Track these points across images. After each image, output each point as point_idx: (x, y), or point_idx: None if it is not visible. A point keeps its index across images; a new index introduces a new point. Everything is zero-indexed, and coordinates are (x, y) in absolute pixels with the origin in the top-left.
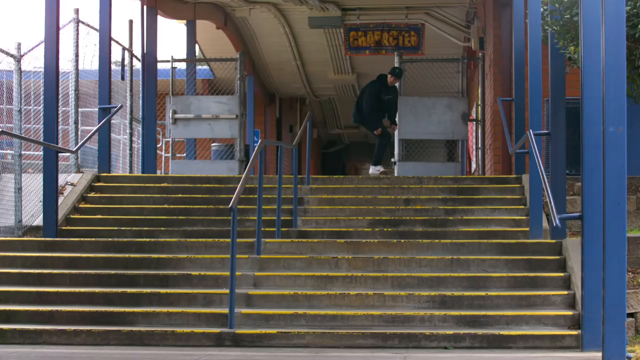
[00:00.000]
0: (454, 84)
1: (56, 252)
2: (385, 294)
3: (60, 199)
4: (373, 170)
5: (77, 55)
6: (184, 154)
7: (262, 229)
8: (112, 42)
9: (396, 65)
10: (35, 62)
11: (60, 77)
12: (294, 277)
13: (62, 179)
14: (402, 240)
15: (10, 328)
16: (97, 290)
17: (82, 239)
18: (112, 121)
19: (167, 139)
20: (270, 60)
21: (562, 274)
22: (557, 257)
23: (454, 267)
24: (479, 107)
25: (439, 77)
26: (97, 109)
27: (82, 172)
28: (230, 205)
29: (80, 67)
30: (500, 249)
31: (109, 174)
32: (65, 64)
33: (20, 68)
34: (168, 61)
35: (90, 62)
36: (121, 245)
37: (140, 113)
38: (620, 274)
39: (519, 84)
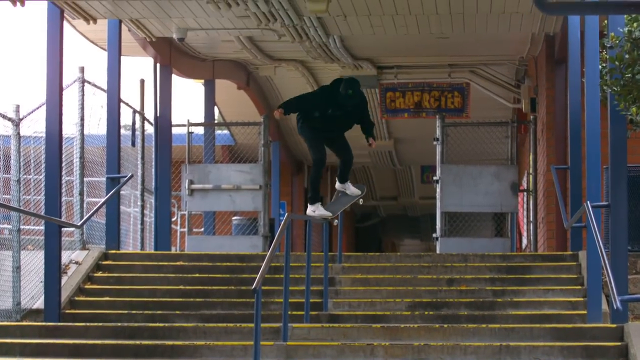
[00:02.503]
0: (502, 150)
1: (59, 339)
2: None
3: (64, 279)
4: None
5: (82, 119)
6: (202, 229)
7: (289, 312)
8: (122, 104)
9: (437, 129)
10: (35, 126)
11: (63, 142)
12: None
13: (65, 256)
14: (445, 325)
15: None
16: None
17: (87, 324)
18: (122, 192)
19: (182, 212)
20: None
21: None
22: (618, 343)
23: (503, 354)
24: (531, 176)
25: (485, 142)
26: (104, 179)
27: (88, 249)
28: (254, 286)
29: (85, 132)
30: (555, 335)
31: (117, 251)
32: (69, 128)
33: (18, 133)
34: (184, 125)
35: (97, 126)
36: (132, 330)
37: (153, 183)
38: None
39: (575, 150)
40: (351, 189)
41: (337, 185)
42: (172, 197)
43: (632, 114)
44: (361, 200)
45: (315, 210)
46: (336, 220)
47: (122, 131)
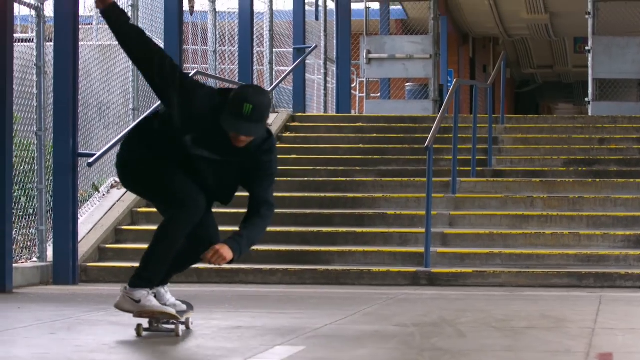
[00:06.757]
0: None
1: None
2: (580, 234)
3: None
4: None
5: None
6: (378, 94)
7: (457, 168)
8: None
9: (589, 4)
10: (229, 3)
11: (254, 17)
12: (489, 217)
13: None
14: (597, 180)
15: (206, 267)
16: (292, 229)
17: (277, 179)
18: (307, 61)
19: (361, 79)
20: (463, 0)
21: None
22: None
23: None
24: None
25: (633, 16)
26: (291, 50)
27: (277, 112)
28: (426, 145)
29: (274, 8)
30: None
31: (303, 114)
32: (259, 5)
33: (214, 9)
34: (362, 1)
35: (283, 3)
36: (317, 184)
37: (335, 53)
38: None
39: None
40: (170, 301)
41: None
42: (352, 66)
43: None
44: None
45: (141, 299)
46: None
47: (307, 7)
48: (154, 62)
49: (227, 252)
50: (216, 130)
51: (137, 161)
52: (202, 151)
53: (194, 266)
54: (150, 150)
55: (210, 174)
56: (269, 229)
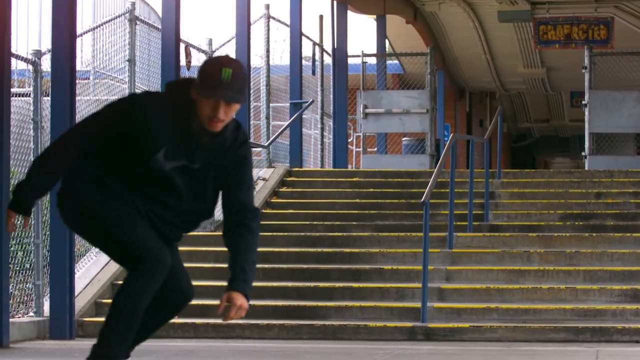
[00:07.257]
0: None
1: None
2: (577, 288)
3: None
4: None
5: (268, 51)
6: (375, 149)
7: (454, 223)
8: (303, 38)
9: (585, 58)
10: None
11: (251, 72)
12: (486, 271)
13: (254, 173)
14: (594, 234)
15: (203, 322)
16: (289, 284)
17: (274, 234)
18: (303, 116)
19: (357, 134)
20: (459, 55)
21: None
22: None
23: None
24: None
25: (629, 70)
26: (288, 104)
27: (274, 167)
28: (422, 200)
29: (270, 63)
30: None
31: (300, 169)
32: (256, 60)
33: None
34: (358, 56)
35: (280, 57)
36: (313, 239)
37: (331, 108)
38: None
39: None
40: None
41: None
42: (348, 120)
43: None
44: None
45: None
46: None
47: (303, 62)
48: (87, 142)
49: (244, 301)
50: (182, 125)
51: (86, 206)
52: (177, 162)
53: (190, 320)
54: (101, 189)
55: (188, 190)
56: (265, 284)
